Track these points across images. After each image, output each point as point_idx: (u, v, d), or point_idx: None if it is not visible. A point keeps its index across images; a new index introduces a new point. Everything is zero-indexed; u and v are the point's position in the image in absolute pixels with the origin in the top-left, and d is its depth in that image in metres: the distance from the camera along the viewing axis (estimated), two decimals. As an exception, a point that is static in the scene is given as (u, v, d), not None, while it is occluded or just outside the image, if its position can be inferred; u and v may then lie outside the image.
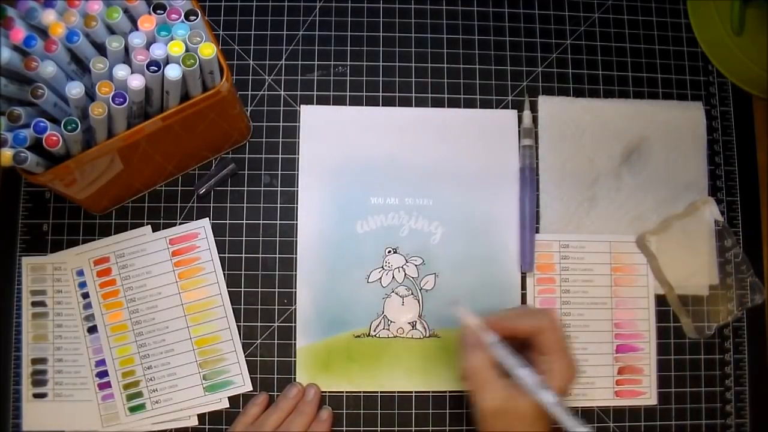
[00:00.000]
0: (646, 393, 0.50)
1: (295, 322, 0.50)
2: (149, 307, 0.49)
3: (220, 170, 0.51)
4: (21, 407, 0.49)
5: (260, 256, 0.51)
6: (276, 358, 0.50)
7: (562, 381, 0.40)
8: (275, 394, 0.49)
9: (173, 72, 0.38)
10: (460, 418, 0.50)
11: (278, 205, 0.51)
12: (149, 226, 0.50)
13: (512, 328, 0.43)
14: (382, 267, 0.51)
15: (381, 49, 0.53)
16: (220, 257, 0.50)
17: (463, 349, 0.42)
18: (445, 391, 0.50)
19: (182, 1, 0.39)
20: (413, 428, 0.49)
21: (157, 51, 0.38)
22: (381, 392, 0.50)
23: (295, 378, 0.49)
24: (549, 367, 0.41)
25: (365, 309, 0.50)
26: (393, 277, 0.50)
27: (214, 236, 0.50)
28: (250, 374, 0.49)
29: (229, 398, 0.49)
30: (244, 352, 0.49)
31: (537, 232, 0.51)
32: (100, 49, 0.39)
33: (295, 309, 0.50)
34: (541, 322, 0.42)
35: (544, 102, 0.53)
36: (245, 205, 0.51)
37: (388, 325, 0.50)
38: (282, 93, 0.52)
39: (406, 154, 0.52)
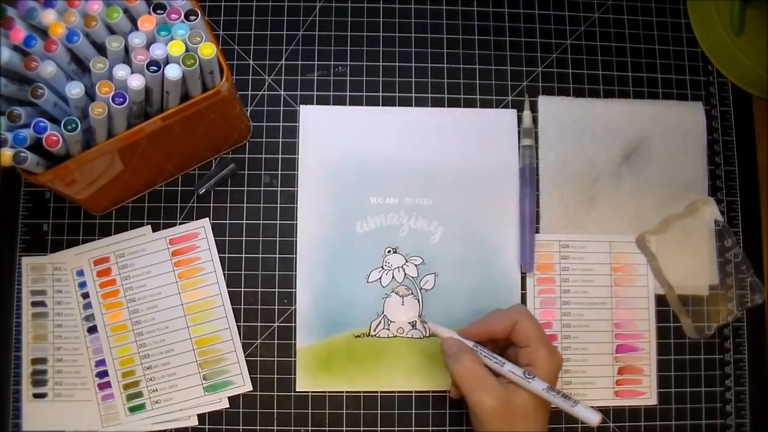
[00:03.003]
0: (646, 393, 0.50)
1: (295, 322, 0.50)
2: (149, 307, 0.49)
3: (220, 170, 0.51)
4: (21, 407, 0.49)
5: (260, 256, 0.51)
6: (276, 358, 0.50)
7: (548, 368, 0.41)
8: (275, 393, 0.49)
9: (173, 72, 0.38)
10: (460, 418, 0.49)
11: (278, 205, 0.51)
12: (149, 226, 0.50)
13: (490, 330, 0.44)
14: (382, 267, 0.51)
15: (381, 49, 0.53)
16: (220, 257, 0.50)
17: (448, 359, 0.43)
18: (446, 391, 0.50)
19: (182, 1, 0.39)
20: (413, 428, 0.49)
21: (157, 51, 0.38)
22: (381, 392, 0.50)
23: (295, 378, 0.49)
24: (533, 357, 0.41)
25: (365, 309, 0.50)
26: (393, 276, 0.50)
27: (214, 236, 0.50)
28: (250, 374, 0.49)
29: (229, 398, 0.49)
30: (244, 352, 0.49)
31: (537, 232, 0.51)
32: (100, 49, 0.39)
33: (295, 309, 0.50)
34: (514, 317, 0.43)
35: (544, 102, 0.53)
36: (245, 205, 0.51)
37: (388, 325, 0.50)
38: (282, 93, 0.52)
39: (406, 154, 0.52)
